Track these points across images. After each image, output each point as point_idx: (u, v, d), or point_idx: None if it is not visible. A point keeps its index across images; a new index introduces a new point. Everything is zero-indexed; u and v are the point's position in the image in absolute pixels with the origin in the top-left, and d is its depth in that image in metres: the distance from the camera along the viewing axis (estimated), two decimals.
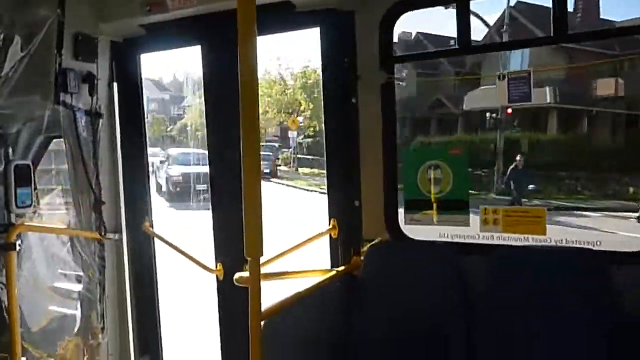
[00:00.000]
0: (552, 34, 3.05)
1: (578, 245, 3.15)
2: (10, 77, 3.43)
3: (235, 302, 3.83)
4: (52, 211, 4.49)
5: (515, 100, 3.18)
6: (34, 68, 3.56)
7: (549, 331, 2.84)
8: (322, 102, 3.66)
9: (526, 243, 3.22)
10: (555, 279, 2.91)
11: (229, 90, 3.78)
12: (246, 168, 2.20)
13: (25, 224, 3.87)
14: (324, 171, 3.79)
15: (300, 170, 22.36)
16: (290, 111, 23.67)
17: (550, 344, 2.84)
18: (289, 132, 23.88)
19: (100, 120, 4.04)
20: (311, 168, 21.52)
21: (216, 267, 3.97)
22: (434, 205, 3.40)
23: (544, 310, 2.87)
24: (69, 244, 4.01)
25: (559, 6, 3.00)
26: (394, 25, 3.47)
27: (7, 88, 3.40)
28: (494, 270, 3.08)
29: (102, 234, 4.03)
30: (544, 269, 2.97)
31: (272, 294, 2.61)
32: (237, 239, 3.76)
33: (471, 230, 3.38)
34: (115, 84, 4.21)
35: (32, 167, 3.76)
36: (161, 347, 4.50)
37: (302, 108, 23.05)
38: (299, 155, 23.29)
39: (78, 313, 4.19)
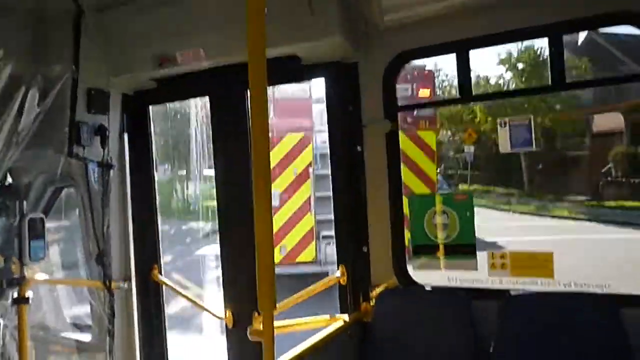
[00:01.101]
0: (550, 83, 3.16)
1: (588, 290, 3.16)
2: (26, 132, 3.52)
3: (244, 350, 3.82)
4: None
5: (517, 147, 3.26)
6: (48, 122, 3.66)
7: None
8: (329, 150, 3.74)
9: (535, 287, 3.24)
10: (567, 323, 2.92)
11: (237, 140, 3.91)
12: (258, 218, 2.23)
13: (37, 275, 3.90)
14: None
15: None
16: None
17: None
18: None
19: (112, 171, 4.12)
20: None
21: (225, 315, 3.97)
22: (442, 250, 3.44)
23: (558, 355, 2.86)
24: (79, 294, 4.02)
25: (557, 56, 3.11)
26: (397, 76, 3.58)
27: (23, 142, 3.49)
28: (505, 315, 3.09)
29: (107, 284, 4.03)
30: (555, 313, 2.98)
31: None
32: (246, 287, 3.81)
33: (479, 275, 3.40)
34: (125, 135, 4.31)
35: (44, 220, 3.82)
36: None
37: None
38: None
39: None
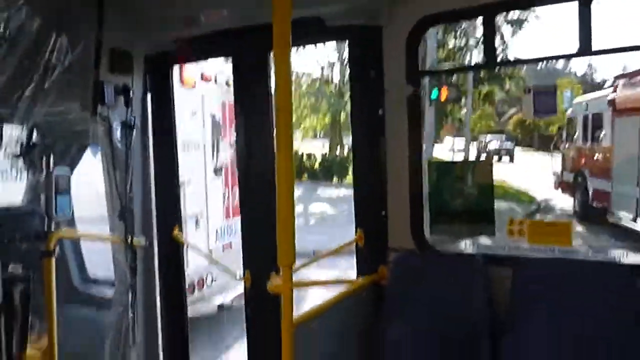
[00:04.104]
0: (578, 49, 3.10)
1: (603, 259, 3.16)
2: (52, 90, 3.57)
3: (262, 309, 3.92)
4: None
5: (541, 113, 3.23)
6: (73, 81, 3.71)
7: (578, 344, 2.85)
8: (350, 114, 3.75)
9: (551, 254, 3.25)
10: (582, 291, 2.93)
11: (260, 100, 3.93)
12: (280, 177, 2.28)
13: (62, 230, 4.01)
14: None
15: None
16: None
17: (579, 356, 2.86)
18: None
19: (134, 131, 4.18)
20: None
21: (244, 274, 4.06)
22: (460, 215, 3.45)
23: (573, 323, 2.89)
24: (104, 250, 4.13)
25: (585, 21, 3.04)
26: (420, 40, 3.54)
27: (49, 100, 3.54)
28: (519, 281, 3.11)
29: (129, 240, 4.13)
30: (571, 280, 3.00)
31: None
32: (265, 247, 3.88)
33: (496, 241, 3.42)
34: (149, 96, 4.36)
35: (70, 176, 3.90)
36: (188, 354, 4.60)
37: None
38: None
39: (110, 318, 4.31)
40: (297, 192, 20.28)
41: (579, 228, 13.15)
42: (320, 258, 3.48)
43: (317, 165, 26.51)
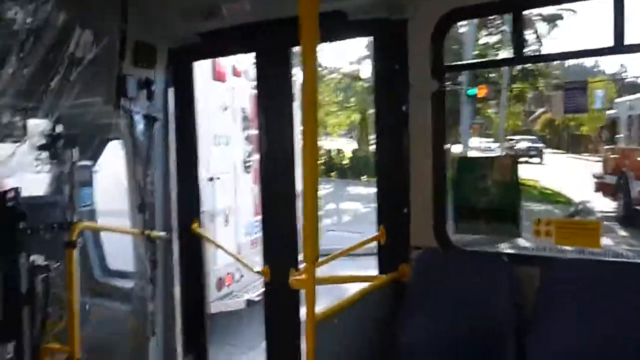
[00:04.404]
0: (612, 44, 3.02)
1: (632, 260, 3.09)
2: (76, 83, 3.60)
3: (281, 304, 3.92)
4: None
5: (571, 111, 3.16)
6: (97, 74, 3.73)
7: (604, 346, 2.79)
8: (374, 110, 3.71)
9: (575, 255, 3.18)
10: (611, 293, 2.87)
11: (283, 95, 3.91)
12: (305, 173, 2.25)
13: (84, 221, 4.05)
14: None
15: None
16: None
17: (605, 358, 2.80)
18: None
19: (156, 124, 4.19)
20: None
21: (263, 269, 4.06)
22: (483, 214, 3.39)
23: (601, 324, 2.83)
24: (125, 243, 4.16)
25: (619, 17, 2.97)
26: (445, 35, 3.48)
27: (74, 92, 3.57)
28: (546, 281, 3.05)
29: (149, 233, 4.16)
30: (599, 282, 2.93)
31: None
32: (286, 243, 3.88)
33: (520, 241, 3.35)
34: (170, 90, 4.36)
35: (93, 168, 3.94)
36: (206, 347, 4.62)
37: None
38: None
39: (130, 309, 4.35)
40: (328, 190, 20.25)
41: (622, 232, 12.97)
42: (342, 255, 3.45)
43: (345, 162, 26.39)
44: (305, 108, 2.24)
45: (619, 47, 3.02)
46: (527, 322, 3.01)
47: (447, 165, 3.50)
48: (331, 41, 3.91)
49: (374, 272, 3.57)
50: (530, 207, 14.00)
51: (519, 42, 3.30)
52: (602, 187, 15.54)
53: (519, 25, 3.31)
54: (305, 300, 2.32)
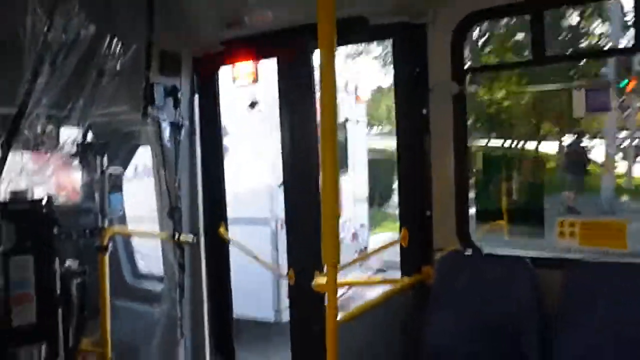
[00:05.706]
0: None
1: None
2: (105, 92, 3.72)
3: (305, 306, 3.96)
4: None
5: (594, 110, 3.12)
6: (125, 83, 3.84)
7: (631, 352, 2.74)
8: (395, 113, 3.73)
9: (602, 257, 3.13)
10: (637, 297, 2.82)
11: (304, 101, 3.96)
12: (325, 177, 2.29)
13: (115, 227, 4.17)
14: None
15: None
16: None
17: None
18: None
19: (182, 131, 4.30)
20: None
21: (288, 272, 4.11)
22: (507, 216, 3.38)
23: (626, 330, 2.78)
24: (154, 247, 4.26)
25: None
26: (465, 37, 3.49)
27: (103, 101, 3.69)
28: (571, 284, 3.02)
29: (177, 238, 4.24)
30: (624, 285, 2.88)
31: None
32: (310, 246, 3.92)
33: (544, 243, 3.32)
34: (196, 97, 4.47)
35: (122, 175, 4.06)
36: (234, 350, 4.69)
37: None
38: None
39: (159, 312, 4.45)
40: None
41: None
42: (364, 258, 3.48)
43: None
44: (324, 112, 2.28)
45: None
46: (551, 325, 2.98)
47: (468, 167, 3.50)
48: (353, 44, 3.95)
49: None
50: None
51: (539, 43, 3.27)
52: None
53: (539, 27, 3.29)
54: (327, 304, 2.36)
